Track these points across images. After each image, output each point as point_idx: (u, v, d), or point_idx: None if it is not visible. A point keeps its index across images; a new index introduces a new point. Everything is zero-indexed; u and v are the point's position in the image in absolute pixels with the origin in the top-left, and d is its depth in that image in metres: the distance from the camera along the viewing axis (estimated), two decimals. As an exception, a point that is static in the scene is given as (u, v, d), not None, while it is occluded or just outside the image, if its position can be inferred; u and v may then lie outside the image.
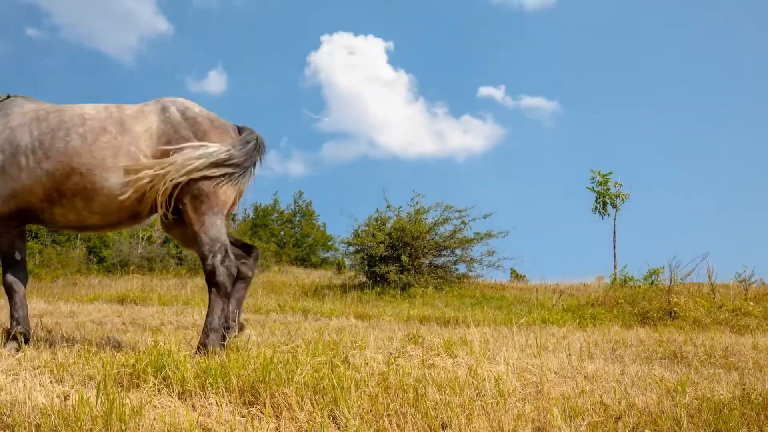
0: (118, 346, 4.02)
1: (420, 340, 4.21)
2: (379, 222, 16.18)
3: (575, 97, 52.28)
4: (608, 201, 10.68)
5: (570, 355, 4.18)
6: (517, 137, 51.97)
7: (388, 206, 16.51)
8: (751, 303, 9.21)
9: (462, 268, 16.15)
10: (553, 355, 4.80)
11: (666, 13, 51.41)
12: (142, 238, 42.52)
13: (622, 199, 10.73)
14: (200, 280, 24.82)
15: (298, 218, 49.54)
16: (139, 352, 3.32)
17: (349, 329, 7.29)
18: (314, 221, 49.11)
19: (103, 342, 4.29)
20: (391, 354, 3.68)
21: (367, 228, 16.01)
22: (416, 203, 16.36)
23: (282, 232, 48.18)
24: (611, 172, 10.89)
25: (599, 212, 10.74)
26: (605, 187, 10.70)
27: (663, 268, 10.43)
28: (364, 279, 15.89)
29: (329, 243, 47.16)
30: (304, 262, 44.40)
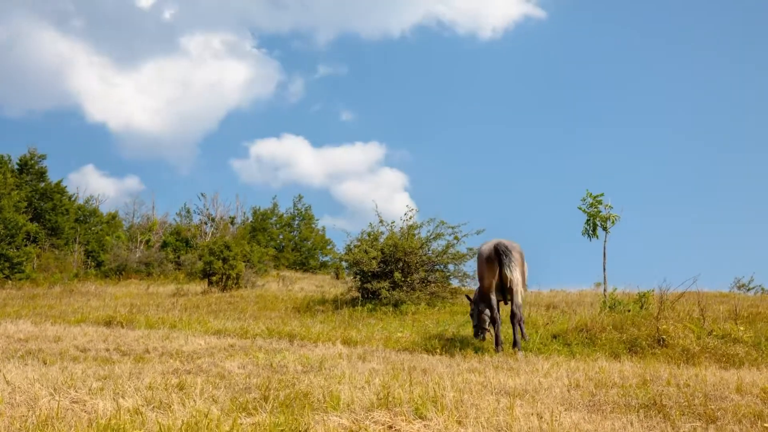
0: (82, 406, 3.96)
1: (390, 399, 4.13)
2: (371, 237, 16.06)
3: (572, 120, 52.72)
4: (599, 223, 10.59)
5: (542, 417, 4.09)
6: (516, 157, 52.48)
7: (381, 222, 16.43)
8: (741, 327, 9.11)
9: (455, 282, 16.04)
10: (531, 404, 4.73)
11: (663, 33, 51.65)
12: (141, 242, 42.42)
13: (613, 222, 10.65)
14: (195, 286, 24.72)
15: (297, 222, 49.45)
16: (96, 427, 3.25)
17: (331, 361, 7.22)
18: (313, 225, 49.03)
19: (68, 397, 4.22)
20: (356, 420, 3.61)
21: (359, 244, 15.90)
22: (409, 218, 16.28)
23: (281, 236, 48.08)
24: (602, 194, 10.81)
25: (588, 234, 10.66)
26: (596, 209, 10.62)
27: (653, 291, 10.32)
28: (357, 294, 15.77)
29: (328, 247, 47.10)
30: (303, 266, 44.28)
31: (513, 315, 8.31)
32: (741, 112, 50.79)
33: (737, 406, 5.02)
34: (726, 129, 50.44)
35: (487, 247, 8.44)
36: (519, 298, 8.29)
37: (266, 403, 4.19)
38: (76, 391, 4.30)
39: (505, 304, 8.81)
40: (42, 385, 4.58)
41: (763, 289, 28.24)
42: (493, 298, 8.45)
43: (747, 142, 49.38)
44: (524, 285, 8.56)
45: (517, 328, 8.33)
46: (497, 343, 8.43)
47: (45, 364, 7.30)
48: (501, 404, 4.63)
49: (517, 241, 8.64)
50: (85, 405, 4.01)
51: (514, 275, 8.12)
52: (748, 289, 28.16)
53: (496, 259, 8.25)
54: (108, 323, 10.32)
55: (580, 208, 10.76)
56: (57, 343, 8.65)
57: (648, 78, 54.23)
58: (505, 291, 8.47)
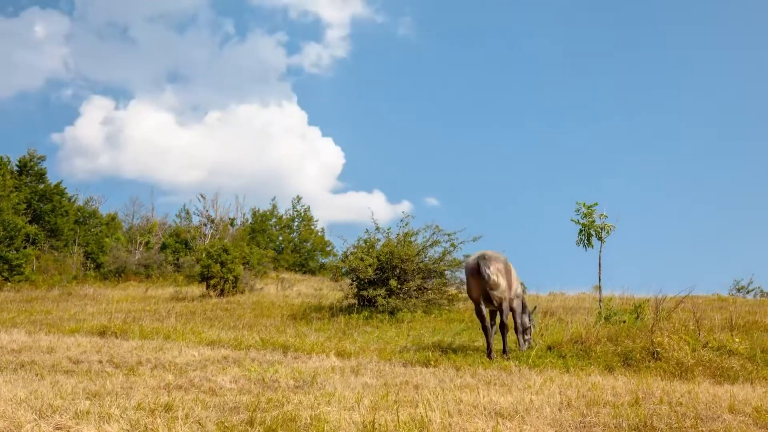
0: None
1: (377, 426, 4.11)
2: (367, 244, 16.05)
3: (572, 122, 52.80)
4: (593, 233, 10.58)
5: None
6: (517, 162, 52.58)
7: (377, 228, 16.45)
8: (737, 339, 9.08)
9: (452, 289, 16.02)
10: (519, 426, 4.71)
11: (663, 31, 51.67)
12: (140, 243, 42.35)
13: (608, 231, 10.63)
14: (194, 289, 24.69)
15: (296, 223, 49.36)
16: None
17: (324, 375, 7.20)
18: (312, 226, 48.94)
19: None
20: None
21: (355, 251, 15.90)
22: (405, 224, 16.30)
23: (280, 238, 47.99)
24: (596, 204, 10.80)
25: (584, 245, 10.64)
26: (590, 219, 10.61)
27: (648, 300, 10.30)
28: (353, 301, 15.76)
29: (327, 249, 47.04)
30: (302, 267, 44.21)
31: (502, 325, 9.01)
32: (739, 112, 50.82)
33: (728, 427, 4.97)
34: (726, 127, 50.44)
35: (472, 259, 8.99)
36: (506, 306, 8.94)
37: (252, 428, 4.17)
38: (61, 416, 4.27)
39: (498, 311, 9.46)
40: (28, 407, 4.56)
41: (762, 291, 28.13)
42: (483, 308, 8.93)
43: (747, 139, 49.40)
44: (515, 294, 9.24)
45: (506, 337, 9.02)
46: (489, 350, 8.96)
47: (37, 376, 7.29)
48: (489, 428, 4.60)
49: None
50: None
51: (499, 284, 8.72)
52: (748, 291, 28.07)
53: (477, 271, 8.73)
54: (102, 333, 10.30)
55: (573, 220, 10.76)
56: (50, 354, 8.63)
57: (646, 80, 54.23)
58: (493, 301, 9.00)
